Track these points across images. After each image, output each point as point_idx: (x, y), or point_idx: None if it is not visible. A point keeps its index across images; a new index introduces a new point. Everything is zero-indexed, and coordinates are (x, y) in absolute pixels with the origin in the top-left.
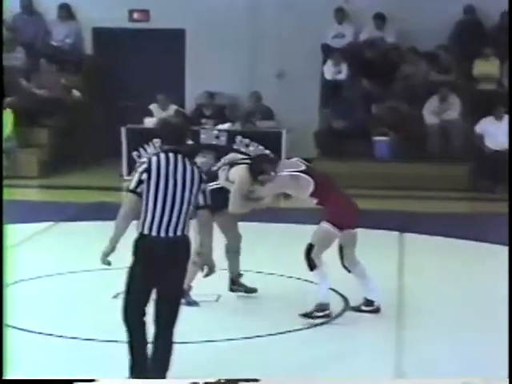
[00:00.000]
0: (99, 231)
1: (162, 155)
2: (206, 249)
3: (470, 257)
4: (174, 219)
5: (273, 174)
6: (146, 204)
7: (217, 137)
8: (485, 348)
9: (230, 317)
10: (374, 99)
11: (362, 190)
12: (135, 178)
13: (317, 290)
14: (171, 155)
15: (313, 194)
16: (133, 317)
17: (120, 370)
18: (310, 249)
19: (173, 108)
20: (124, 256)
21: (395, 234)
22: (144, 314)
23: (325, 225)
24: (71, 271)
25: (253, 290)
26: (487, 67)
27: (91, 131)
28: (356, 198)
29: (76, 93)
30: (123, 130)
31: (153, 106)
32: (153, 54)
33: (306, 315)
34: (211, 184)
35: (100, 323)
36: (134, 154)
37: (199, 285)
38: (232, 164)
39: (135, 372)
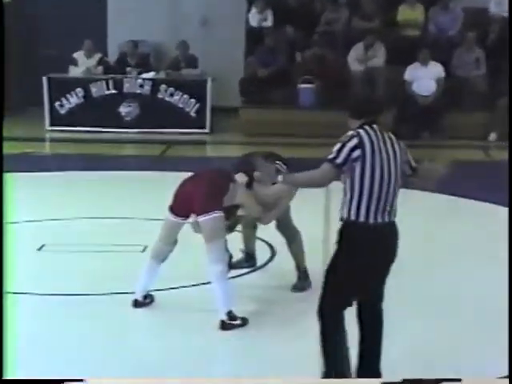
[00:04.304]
0: (23, 182)
1: (367, 129)
2: None
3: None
4: (389, 202)
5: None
6: (361, 186)
7: (141, 86)
8: None
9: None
10: (298, 47)
11: (286, 138)
12: (343, 152)
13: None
14: (375, 128)
15: None
16: (335, 316)
17: None
18: None
19: (97, 56)
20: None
21: None
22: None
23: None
24: None
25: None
26: (412, 13)
27: (13, 81)
28: (281, 145)
29: None
30: (44, 80)
31: (77, 54)
32: (74, 2)
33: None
34: None
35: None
36: (57, 104)
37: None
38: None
39: (333, 375)
